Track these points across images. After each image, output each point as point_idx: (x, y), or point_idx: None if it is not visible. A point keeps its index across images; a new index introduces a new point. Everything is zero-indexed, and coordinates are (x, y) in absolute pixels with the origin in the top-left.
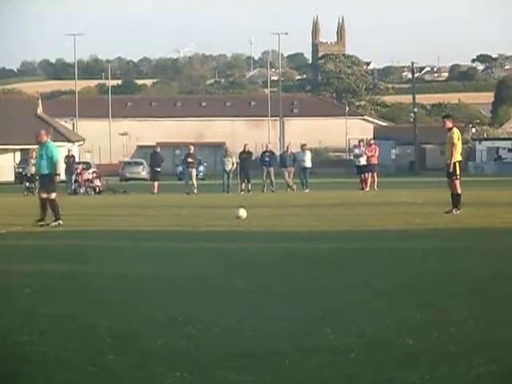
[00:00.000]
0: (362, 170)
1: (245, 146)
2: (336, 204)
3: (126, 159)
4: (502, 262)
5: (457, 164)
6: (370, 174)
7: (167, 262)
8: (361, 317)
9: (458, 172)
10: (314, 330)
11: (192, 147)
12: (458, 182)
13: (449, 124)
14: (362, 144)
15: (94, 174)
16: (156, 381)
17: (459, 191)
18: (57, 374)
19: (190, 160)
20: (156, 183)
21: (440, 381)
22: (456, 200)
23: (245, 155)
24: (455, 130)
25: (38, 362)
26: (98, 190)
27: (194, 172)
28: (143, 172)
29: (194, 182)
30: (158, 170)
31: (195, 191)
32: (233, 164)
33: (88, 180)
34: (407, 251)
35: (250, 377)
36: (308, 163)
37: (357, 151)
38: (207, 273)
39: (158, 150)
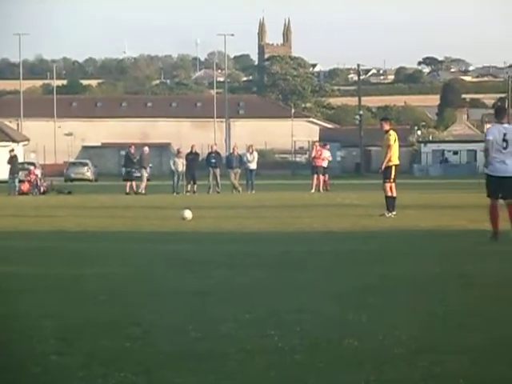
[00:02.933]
0: (325, 171)
1: (192, 147)
2: (282, 206)
3: (71, 159)
4: (446, 264)
5: (393, 168)
6: (317, 175)
7: (112, 263)
8: (306, 318)
9: (392, 175)
10: (258, 331)
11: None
12: (388, 185)
13: (386, 126)
14: (327, 147)
15: (39, 175)
16: (99, 381)
17: (390, 194)
18: (0, 376)
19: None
20: (128, 183)
21: (384, 383)
22: (389, 203)
23: (191, 156)
24: (392, 132)
25: None
26: (42, 190)
27: (144, 172)
28: (88, 172)
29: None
30: (129, 170)
31: (143, 191)
32: (183, 165)
33: (34, 180)
34: (353, 253)
35: (194, 378)
36: (253, 165)
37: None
38: (152, 274)
39: (133, 150)
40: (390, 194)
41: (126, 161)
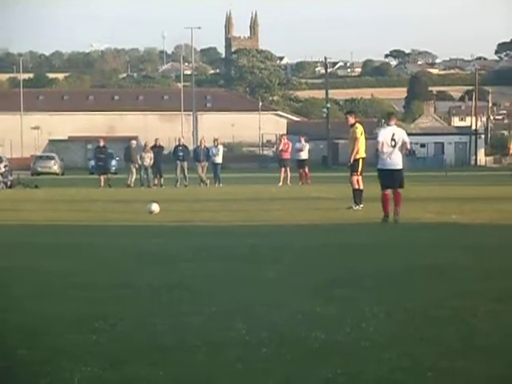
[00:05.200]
0: (302, 164)
1: (156, 140)
2: (250, 199)
3: (38, 153)
4: (414, 256)
5: (360, 160)
6: (284, 168)
7: (79, 257)
8: (274, 312)
9: (359, 168)
10: (226, 324)
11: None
12: (356, 178)
13: (351, 120)
14: (303, 138)
15: (6, 168)
16: (66, 376)
17: (357, 187)
18: None
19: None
20: (102, 177)
21: (352, 376)
22: (356, 195)
23: (156, 149)
24: (358, 125)
25: None
26: (9, 184)
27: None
28: (55, 166)
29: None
30: (101, 164)
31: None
32: (151, 159)
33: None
34: (321, 246)
35: (161, 371)
36: (219, 159)
37: (297, 145)
38: (118, 267)
39: (102, 143)
40: (357, 186)
41: (96, 154)
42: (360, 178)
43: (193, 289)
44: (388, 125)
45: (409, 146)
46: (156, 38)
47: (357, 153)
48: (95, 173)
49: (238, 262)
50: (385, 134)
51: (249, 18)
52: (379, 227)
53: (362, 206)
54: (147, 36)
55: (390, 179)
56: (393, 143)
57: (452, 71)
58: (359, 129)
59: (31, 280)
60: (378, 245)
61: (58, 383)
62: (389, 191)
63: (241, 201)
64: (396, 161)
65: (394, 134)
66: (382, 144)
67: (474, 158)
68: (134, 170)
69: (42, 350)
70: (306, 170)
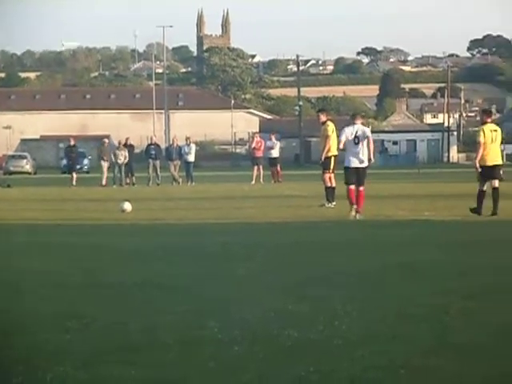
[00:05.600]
0: (273, 162)
1: (126, 139)
2: (222, 197)
3: (10, 153)
4: (387, 254)
5: (332, 158)
6: (257, 167)
7: (52, 256)
8: (246, 310)
9: (331, 166)
10: (198, 323)
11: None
12: (327, 176)
13: (323, 118)
14: (273, 136)
15: None
16: (39, 375)
17: (329, 184)
18: None
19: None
20: (72, 176)
21: (325, 374)
22: (328, 193)
23: (127, 148)
24: (329, 123)
25: None
26: None
27: (106, 165)
28: (27, 165)
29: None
30: (70, 163)
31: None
32: (125, 157)
33: None
34: (293, 244)
35: (134, 371)
36: (191, 157)
37: (268, 143)
38: (91, 267)
39: (72, 142)
40: (329, 184)
41: (66, 153)
42: (332, 175)
43: (165, 287)
44: (354, 123)
45: (372, 145)
46: (128, 36)
47: (328, 150)
48: (67, 172)
49: (210, 260)
50: (347, 132)
51: (220, 17)
52: (352, 225)
53: (334, 203)
54: (119, 35)
55: (355, 176)
56: (356, 140)
57: (424, 68)
58: (330, 126)
59: (4, 279)
60: (351, 243)
61: (30, 382)
62: (353, 187)
63: (213, 199)
64: (362, 158)
65: (357, 132)
66: (344, 142)
67: (446, 155)
68: (105, 169)
69: (15, 349)
70: (278, 168)
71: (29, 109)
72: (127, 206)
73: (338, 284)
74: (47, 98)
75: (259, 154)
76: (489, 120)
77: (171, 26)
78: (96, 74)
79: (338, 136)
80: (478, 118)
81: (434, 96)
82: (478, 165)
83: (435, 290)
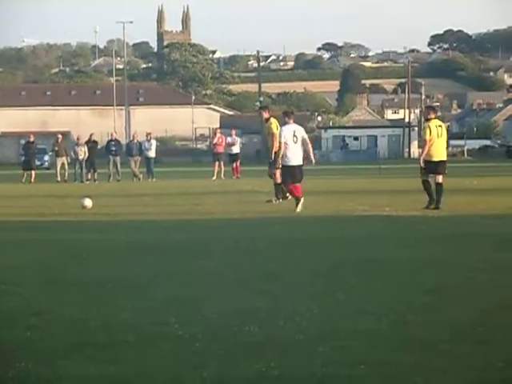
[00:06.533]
0: (234, 158)
1: (90, 135)
2: (183, 193)
3: None
4: (347, 249)
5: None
6: (218, 162)
7: (11, 253)
8: (206, 306)
9: (279, 162)
10: (158, 319)
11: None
12: (278, 172)
13: (265, 115)
14: (234, 132)
15: None
16: (0, 371)
17: (279, 181)
18: None
19: (56, 149)
20: (26, 173)
21: (285, 369)
22: (277, 190)
23: (90, 144)
24: (272, 120)
25: None
26: None
27: (64, 161)
28: None
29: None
30: (28, 159)
31: (65, 179)
32: (85, 153)
33: None
34: (253, 240)
35: (94, 367)
36: (152, 153)
37: (229, 139)
38: (52, 263)
39: (32, 139)
40: (278, 181)
41: (24, 150)
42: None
43: (125, 284)
44: (287, 123)
45: (310, 145)
46: (88, 32)
47: (278, 148)
48: (25, 168)
49: (170, 257)
50: (287, 133)
51: (181, 12)
52: (312, 220)
53: (281, 200)
54: (79, 31)
55: (293, 174)
56: (295, 139)
57: (385, 64)
58: (274, 124)
59: None
60: (311, 238)
61: None
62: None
63: (173, 195)
64: (299, 157)
65: (294, 132)
66: (286, 142)
67: (407, 150)
68: (58, 166)
69: None
70: (238, 163)
71: None
72: (88, 203)
73: (298, 280)
74: (8, 94)
75: (220, 149)
76: (433, 116)
77: (131, 22)
78: (56, 70)
79: (279, 134)
80: (439, 113)
81: (394, 91)
82: (421, 161)
83: (396, 284)
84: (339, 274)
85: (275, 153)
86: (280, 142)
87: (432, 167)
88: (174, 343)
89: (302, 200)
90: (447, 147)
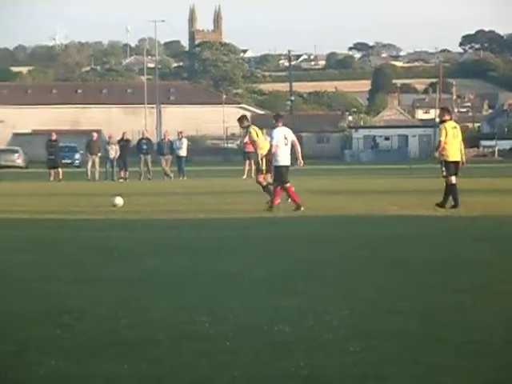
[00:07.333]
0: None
1: (123, 134)
2: (214, 192)
3: (2, 147)
4: (373, 249)
5: (263, 159)
6: (248, 161)
7: (42, 250)
8: (237, 305)
9: (264, 167)
10: (189, 318)
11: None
12: (262, 177)
13: (244, 123)
14: (264, 132)
15: None
16: (32, 369)
17: (265, 184)
18: None
19: (90, 147)
20: (53, 171)
21: (315, 368)
22: (268, 192)
23: (123, 143)
24: (251, 128)
25: None
26: None
27: (96, 159)
28: (19, 160)
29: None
30: (52, 157)
31: (96, 178)
32: (116, 151)
33: None
34: (284, 238)
35: (125, 366)
36: (183, 152)
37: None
38: (82, 261)
39: (54, 137)
40: (265, 183)
41: (48, 148)
42: (267, 176)
43: (156, 282)
44: (277, 126)
45: (299, 147)
46: (120, 31)
47: (268, 153)
48: (46, 167)
49: (200, 256)
50: (278, 135)
51: (212, 11)
52: (341, 220)
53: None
54: (111, 29)
55: (282, 174)
56: (286, 142)
57: (416, 64)
58: (253, 132)
59: None
60: (342, 237)
61: (22, 377)
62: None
63: (204, 194)
64: (288, 158)
65: (285, 134)
66: (277, 145)
67: None
68: (89, 163)
69: (7, 344)
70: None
71: (21, 103)
72: (119, 201)
73: (328, 279)
74: (39, 92)
75: (251, 148)
76: (448, 118)
77: (163, 21)
78: (88, 68)
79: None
80: (469, 114)
81: (425, 91)
82: (437, 156)
83: (426, 285)
84: (369, 272)
85: (262, 158)
86: (271, 145)
87: (452, 167)
88: (205, 342)
89: (302, 208)
90: (465, 147)
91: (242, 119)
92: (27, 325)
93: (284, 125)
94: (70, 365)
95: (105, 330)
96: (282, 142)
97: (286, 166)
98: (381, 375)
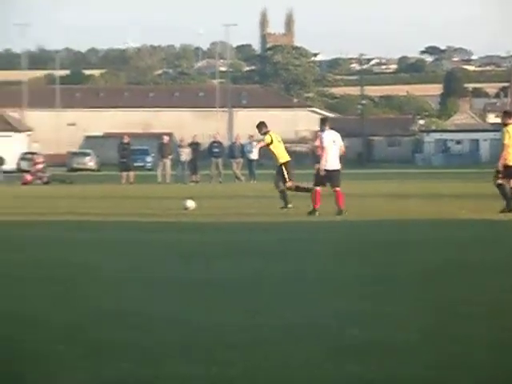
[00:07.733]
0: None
1: (193, 137)
2: None
3: (74, 150)
4: (443, 253)
5: (284, 165)
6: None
7: (113, 253)
8: (308, 308)
9: (286, 175)
10: (261, 321)
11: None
12: (290, 182)
13: (263, 130)
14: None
15: (43, 165)
16: (105, 371)
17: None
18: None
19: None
20: (124, 174)
21: (386, 373)
22: (284, 197)
23: (193, 146)
24: (267, 135)
25: None
26: (45, 180)
27: (168, 162)
28: (90, 162)
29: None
30: (124, 160)
31: (167, 180)
32: (187, 154)
33: (38, 171)
34: (354, 242)
35: (200, 368)
36: (254, 155)
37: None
38: (154, 264)
39: (126, 140)
40: (293, 186)
41: (120, 151)
42: (291, 183)
43: (227, 285)
44: (325, 129)
45: (343, 148)
46: (192, 34)
47: (286, 162)
48: (118, 169)
49: (271, 258)
50: (328, 139)
51: (284, 15)
52: (412, 223)
53: (290, 205)
54: (183, 33)
55: (330, 178)
56: (334, 145)
57: (488, 68)
58: (267, 138)
59: (67, 276)
60: (410, 241)
61: (96, 378)
62: (320, 188)
63: (275, 197)
64: (337, 162)
65: (334, 137)
66: (327, 148)
67: None
68: (160, 166)
69: (81, 346)
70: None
71: (93, 106)
72: (190, 204)
73: (400, 283)
74: (111, 95)
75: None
76: (510, 121)
77: (235, 25)
78: (160, 71)
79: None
80: None
81: (497, 95)
82: (500, 165)
83: (494, 288)
84: (440, 276)
85: (281, 165)
86: (321, 147)
87: (510, 172)
88: (276, 345)
89: (317, 213)
90: None
91: (260, 126)
92: (100, 327)
93: (332, 128)
94: (144, 367)
95: (177, 332)
96: (330, 146)
97: (333, 170)
98: (450, 379)
